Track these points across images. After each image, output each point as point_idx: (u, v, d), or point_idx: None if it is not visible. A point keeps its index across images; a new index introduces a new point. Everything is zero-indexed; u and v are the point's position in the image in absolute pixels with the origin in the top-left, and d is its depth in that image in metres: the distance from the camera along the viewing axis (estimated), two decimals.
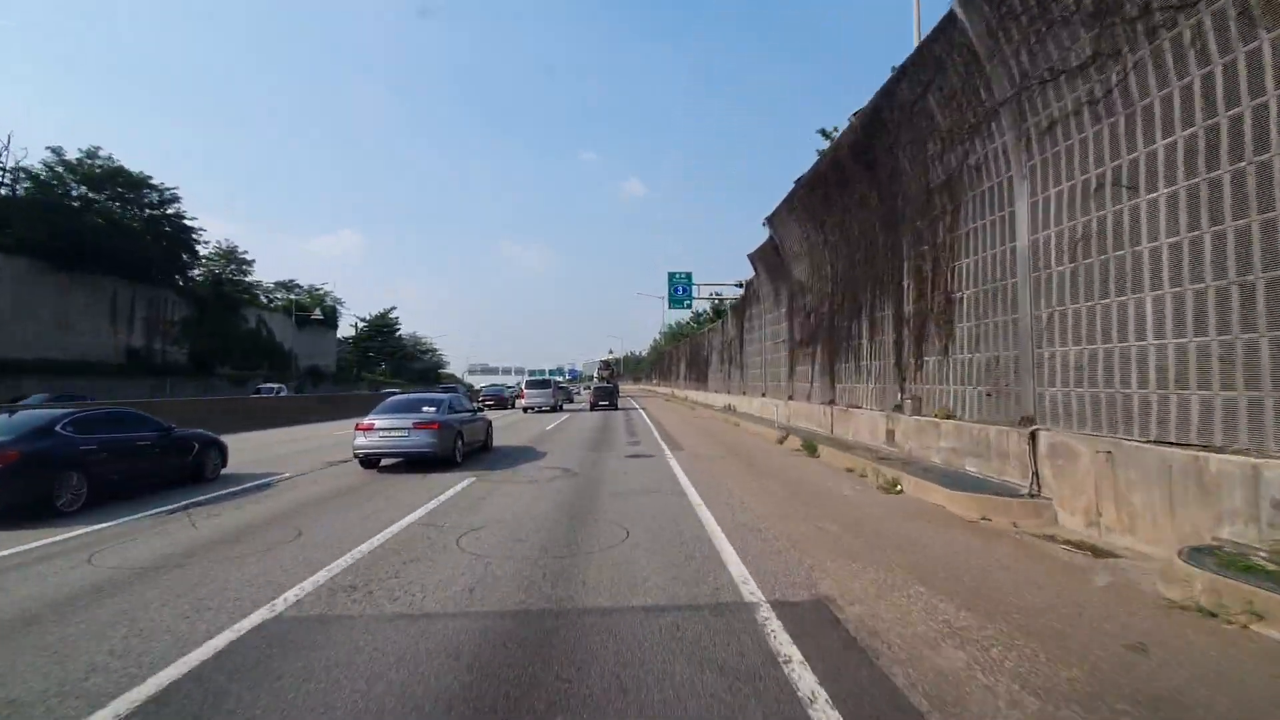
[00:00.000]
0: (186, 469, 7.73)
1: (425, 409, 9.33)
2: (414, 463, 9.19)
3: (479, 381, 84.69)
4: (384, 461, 9.27)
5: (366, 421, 8.93)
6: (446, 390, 17.51)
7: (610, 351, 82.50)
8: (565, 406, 29.19)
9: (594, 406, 28.09)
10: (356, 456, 8.97)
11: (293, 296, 54.19)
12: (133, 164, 35.37)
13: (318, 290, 58.20)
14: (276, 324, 46.29)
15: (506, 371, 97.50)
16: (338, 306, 59.06)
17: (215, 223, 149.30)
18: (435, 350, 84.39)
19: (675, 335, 55.26)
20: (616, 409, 27.61)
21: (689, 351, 39.38)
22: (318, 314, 47.88)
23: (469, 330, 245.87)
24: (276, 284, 55.28)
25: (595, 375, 48.09)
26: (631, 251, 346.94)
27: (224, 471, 8.53)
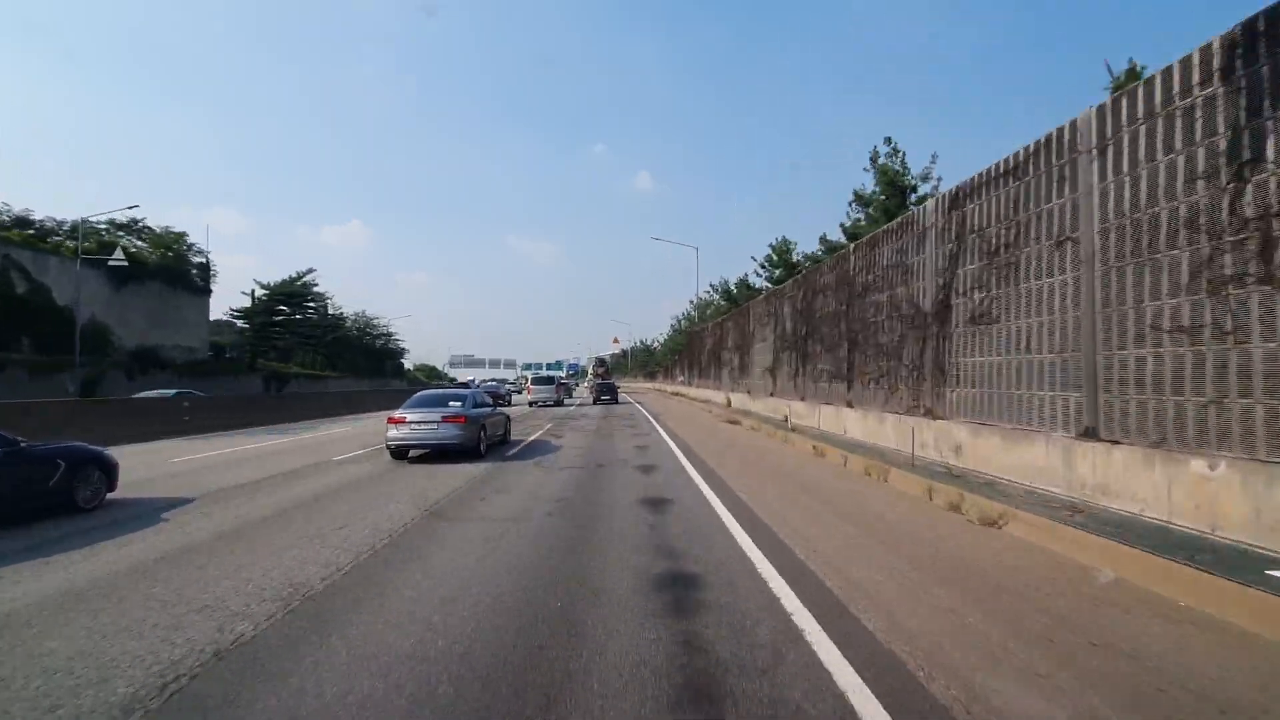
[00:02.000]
0: (49, 497, 7.16)
1: (452, 404, 11.88)
2: (432, 456, 11.46)
3: (462, 375, 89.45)
4: (412, 452, 11.65)
5: (398, 415, 11.36)
6: (464, 388, 20.05)
7: (615, 339, 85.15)
8: (566, 401, 37.45)
9: (596, 400, 37.77)
10: (388, 448, 11.47)
11: (139, 244, 41.96)
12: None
13: (177, 237, 44.21)
14: (59, 275, 33.80)
15: (495, 364, 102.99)
16: (208, 262, 46.45)
17: (228, 214, 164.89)
18: (391, 334, 77.70)
19: (728, 298, 39.58)
20: (617, 403, 36.64)
21: (785, 314, 18.58)
22: (118, 257, 32.66)
23: (453, 319, 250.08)
24: (111, 223, 41.38)
25: (591, 372, 69.05)
26: (634, 245, 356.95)
27: (114, 496, 7.83)
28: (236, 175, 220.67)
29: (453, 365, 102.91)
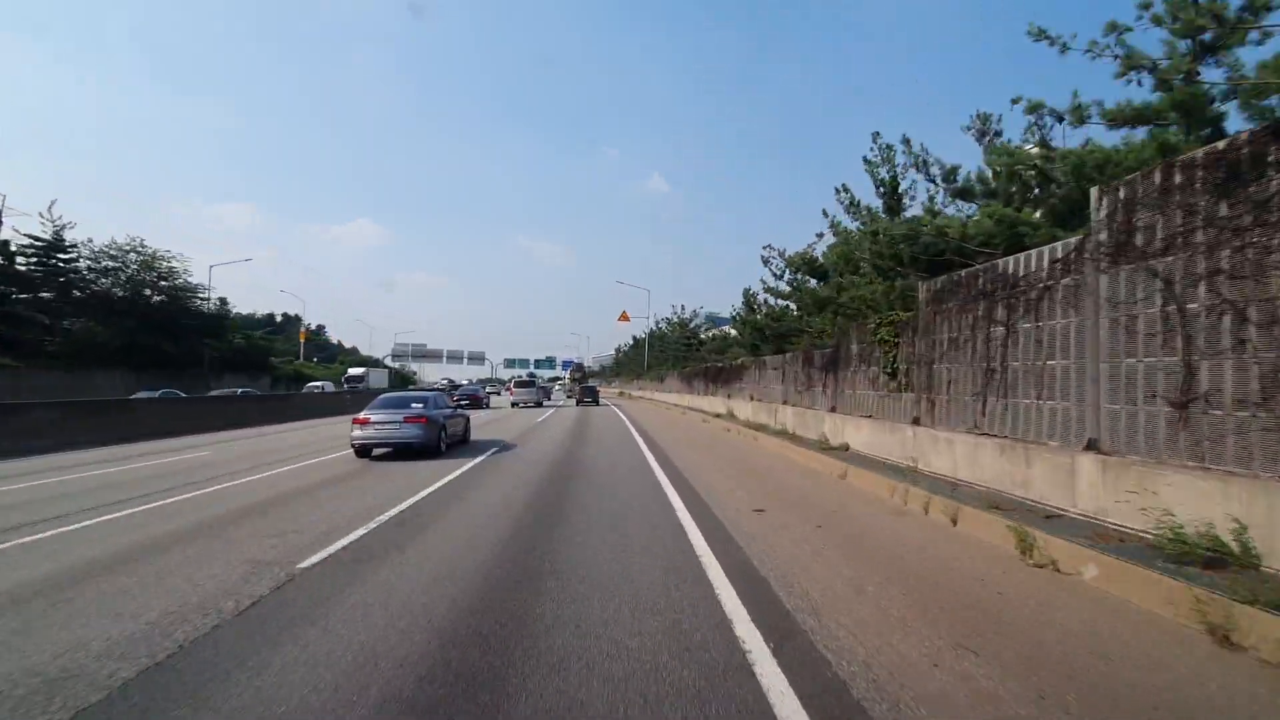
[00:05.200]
0: None
1: (414, 405, 13.08)
2: (398, 455, 12.71)
3: (410, 369, 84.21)
4: (376, 451, 12.87)
5: (363, 416, 12.59)
6: (430, 390, 21.60)
7: (623, 316, 75.19)
8: (545, 403, 41.86)
9: (579, 402, 42.19)
10: (353, 446, 12.62)
11: None
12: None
13: None
14: None
15: (455, 357, 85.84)
16: None
17: (241, 209, 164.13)
18: (196, 289, 44.51)
19: None
20: (598, 404, 41.20)
21: None
22: None
23: (455, 318, 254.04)
24: None
25: (569, 377, 71.43)
26: (640, 246, 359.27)
27: None
28: (247, 173, 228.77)
29: (396, 356, 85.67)
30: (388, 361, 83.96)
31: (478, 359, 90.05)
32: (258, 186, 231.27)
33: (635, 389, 61.70)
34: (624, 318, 55.71)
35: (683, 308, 49.66)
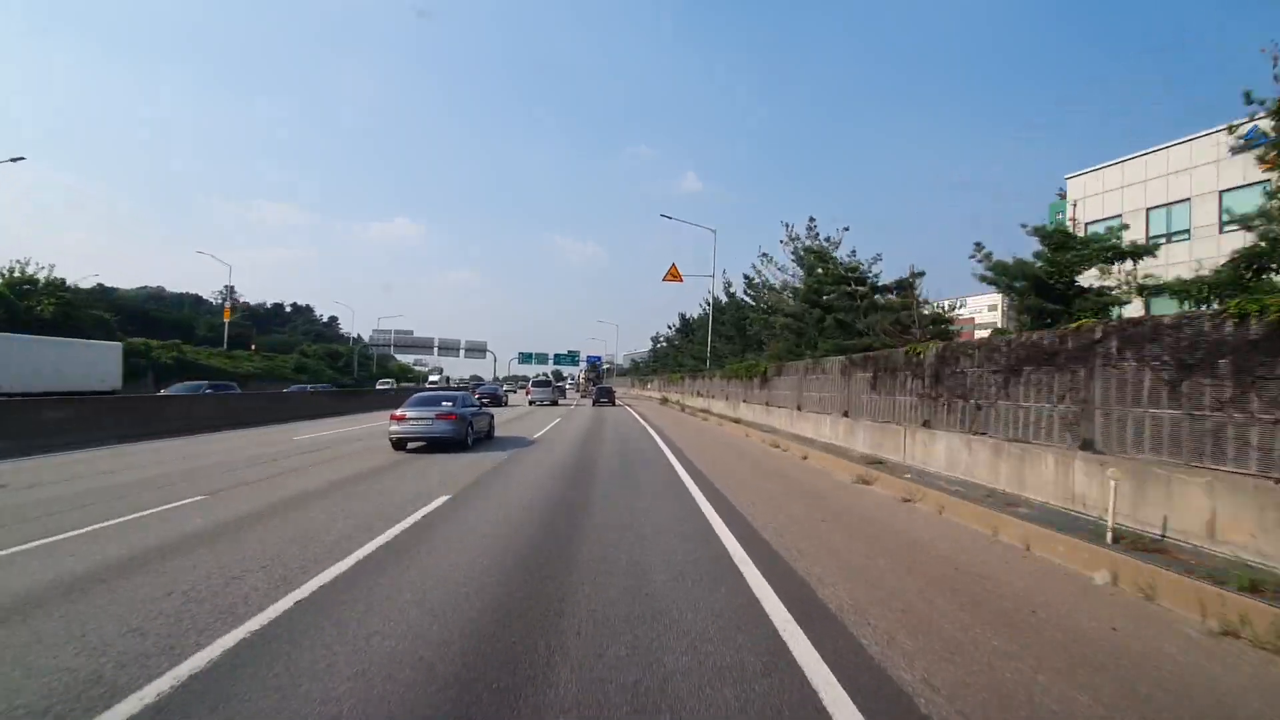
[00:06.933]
0: None
1: (444, 404, 14.43)
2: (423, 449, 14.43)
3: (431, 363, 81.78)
4: (410, 445, 14.12)
5: (399, 413, 13.88)
6: (458, 389, 22.76)
7: (673, 273, 79.93)
8: (560, 401, 45.56)
9: (595, 402, 43.87)
10: (391, 440, 13.78)
11: None
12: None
13: None
14: None
15: (449, 348, 76.39)
16: None
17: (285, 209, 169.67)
18: None
19: None
20: (613, 405, 42.42)
21: None
22: None
23: (485, 313, 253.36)
24: None
25: (582, 377, 73.55)
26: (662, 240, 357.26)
27: None
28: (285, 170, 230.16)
29: (375, 343, 76.28)
30: (377, 352, 76.05)
31: (478, 351, 78.46)
32: (297, 184, 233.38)
33: (691, 394, 36.97)
34: (674, 274, 35.51)
35: (812, 225, 24.46)
